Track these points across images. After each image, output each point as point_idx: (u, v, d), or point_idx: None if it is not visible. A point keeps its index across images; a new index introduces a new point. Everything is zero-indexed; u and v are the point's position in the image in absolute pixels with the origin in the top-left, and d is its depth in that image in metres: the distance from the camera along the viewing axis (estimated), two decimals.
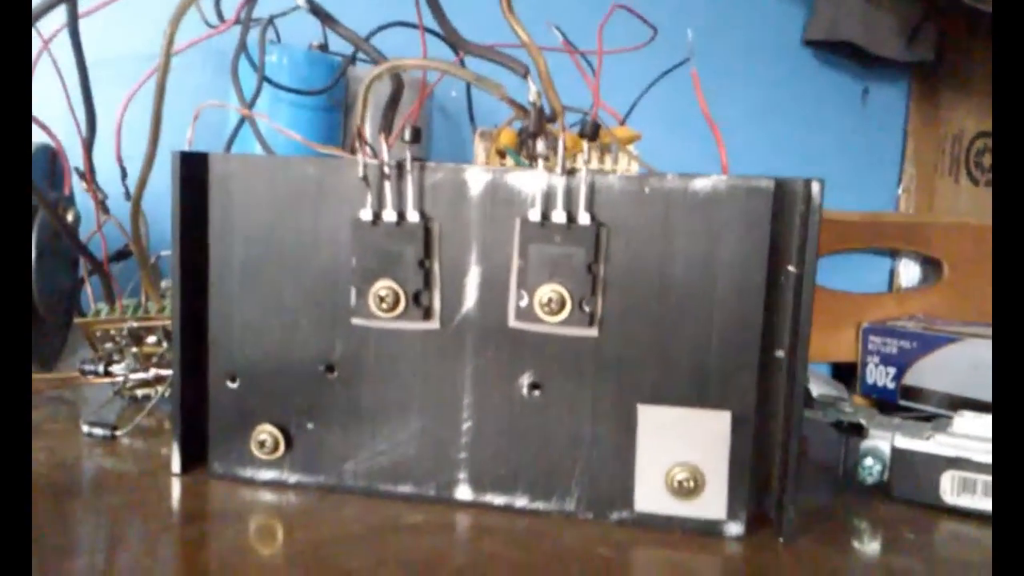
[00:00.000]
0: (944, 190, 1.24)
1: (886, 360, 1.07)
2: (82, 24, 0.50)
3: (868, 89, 1.19)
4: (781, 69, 1.15)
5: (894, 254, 1.23)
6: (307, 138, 0.80)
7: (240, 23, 0.61)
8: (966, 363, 0.97)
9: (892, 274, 1.25)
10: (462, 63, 0.53)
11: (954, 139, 1.22)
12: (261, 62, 0.67)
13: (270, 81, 0.70)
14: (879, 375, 1.08)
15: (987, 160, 1.25)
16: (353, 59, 0.78)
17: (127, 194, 0.58)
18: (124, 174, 0.59)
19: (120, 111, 0.59)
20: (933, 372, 1.02)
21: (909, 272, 1.24)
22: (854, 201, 1.19)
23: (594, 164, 0.62)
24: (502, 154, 0.49)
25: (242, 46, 0.65)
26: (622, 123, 0.68)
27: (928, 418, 0.46)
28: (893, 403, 1.09)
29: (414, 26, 0.67)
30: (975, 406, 0.95)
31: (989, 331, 0.98)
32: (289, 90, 0.73)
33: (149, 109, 0.44)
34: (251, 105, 0.66)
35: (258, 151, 0.62)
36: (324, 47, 0.80)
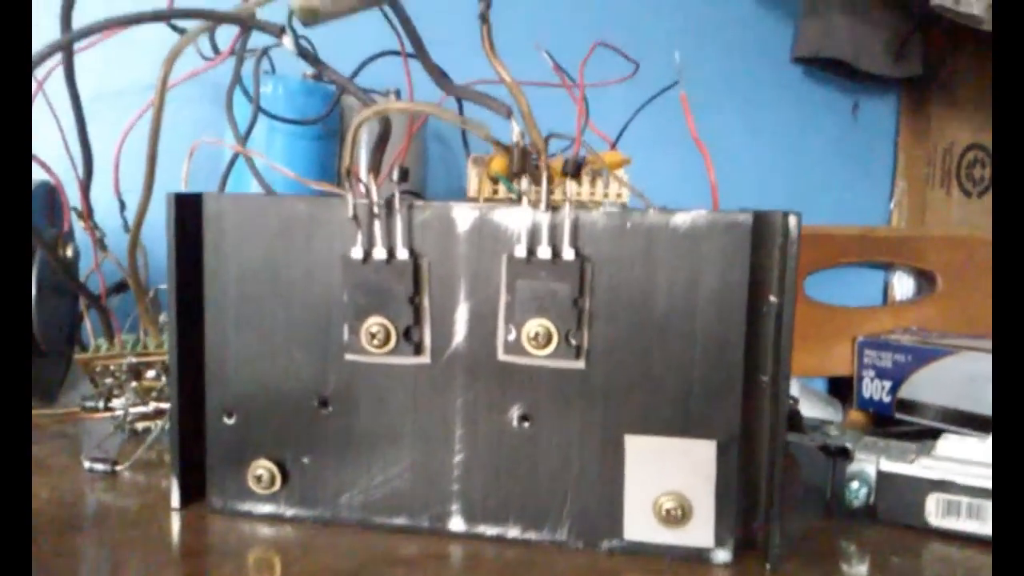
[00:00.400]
0: (936, 203, 1.25)
1: (881, 374, 1.08)
2: (80, 57, 0.51)
3: (858, 103, 1.20)
4: (771, 86, 1.16)
5: (888, 267, 1.24)
6: (303, 166, 0.81)
7: (235, 55, 0.63)
8: (961, 376, 0.98)
9: (886, 287, 1.25)
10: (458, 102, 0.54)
11: (945, 152, 1.23)
12: (256, 93, 0.68)
13: (265, 112, 0.71)
14: (875, 389, 1.09)
15: (978, 172, 1.26)
16: (347, 89, 0.79)
17: (126, 226, 0.59)
18: (123, 207, 0.60)
19: (117, 146, 0.60)
20: (928, 385, 1.03)
21: (903, 285, 1.24)
22: (847, 215, 1.20)
23: (585, 189, 0.63)
24: (495, 180, 0.50)
25: (236, 79, 0.66)
26: (613, 146, 0.69)
27: (919, 434, 0.47)
28: (889, 417, 1.10)
29: (402, 54, 0.68)
30: (971, 419, 0.96)
31: (984, 343, 0.99)
32: (284, 120, 0.74)
33: (147, 142, 0.45)
34: (247, 136, 0.67)
35: (254, 186, 0.63)
36: (318, 76, 0.81)
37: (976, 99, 1.23)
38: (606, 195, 0.65)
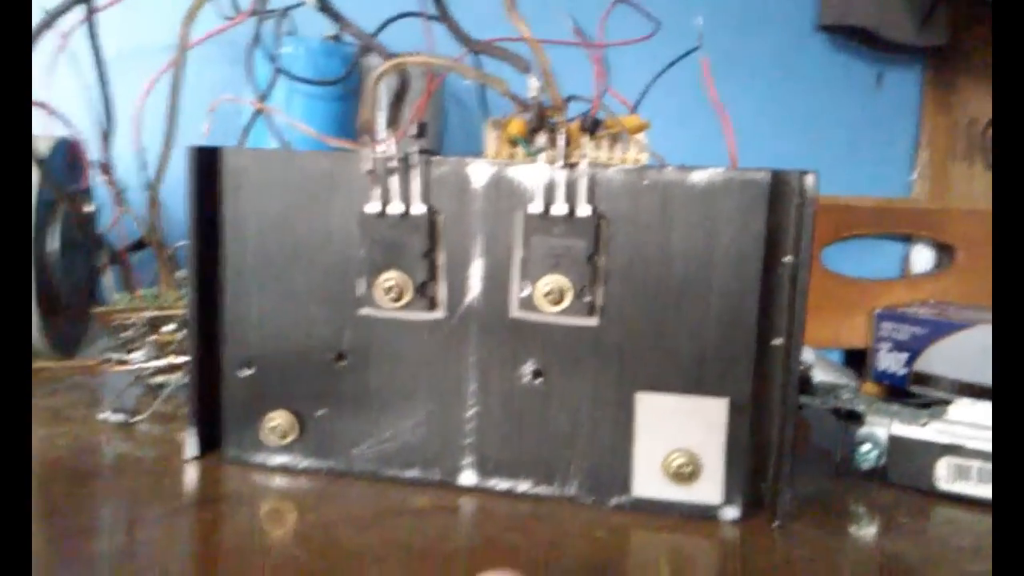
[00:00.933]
0: (959, 175, 1.24)
1: (898, 346, 1.07)
2: (101, 16, 0.51)
3: (882, 74, 1.18)
4: (794, 54, 1.14)
5: (907, 240, 1.23)
6: (322, 127, 0.81)
7: (255, 15, 0.62)
8: (977, 350, 0.97)
9: (905, 260, 1.25)
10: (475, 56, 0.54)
11: (969, 124, 1.22)
12: (276, 54, 0.68)
13: (285, 72, 0.71)
14: (890, 361, 1.09)
15: None
16: (367, 49, 0.79)
17: (146, 184, 0.59)
18: (144, 165, 0.61)
19: (139, 103, 0.60)
20: (944, 358, 1.02)
21: (922, 258, 1.24)
22: (867, 187, 1.19)
23: (604, 153, 0.63)
24: (513, 143, 0.50)
25: (257, 39, 0.66)
26: (633, 110, 0.69)
27: (928, 404, 0.47)
28: (904, 389, 1.09)
29: (424, 16, 0.68)
30: (986, 392, 0.96)
31: None
32: (304, 81, 0.73)
33: (167, 100, 0.45)
34: (266, 96, 0.67)
35: (272, 144, 0.63)
36: (338, 37, 0.81)
37: None
38: (624, 159, 0.65)
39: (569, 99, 0.64)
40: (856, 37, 1.12)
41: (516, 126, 0.55)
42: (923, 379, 1.06)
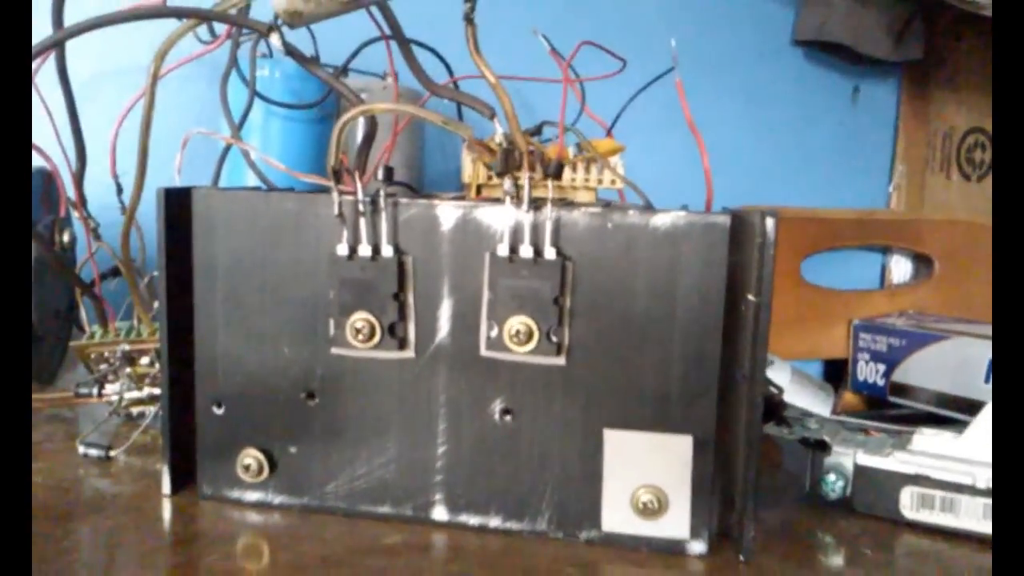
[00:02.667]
0: (935, 186, 1.25)
1: (876, 357, 1.08)
2: (78, 39, 0.51)
3: (859, 87, 1.19)
4: (772, 68, 1.15)
5: (886, 251, 1.24)
6: (300, 150, 0.82)
7: (231, 39, 0.63)
8: (954, 361, 0.98)
9: (884, 271, 1.26)
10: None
11: (945, 136, 1.23)
12: (252, 78, 0.69)
13: (262, 96, 0.71)
14: (869, 372, 1.10)
15: (979, 156, 1.26)
16: (344, 71, 0.80)
17: (123, 208, 0.60)
18: (119, 189, 0.61)
19: (113, 131, 0.60)
20: (922, 369, 1.03)
21: (901, 268, 1.25)
22: (846, 199, 1.20)
23: (580, 176, 0.63)
24: (489, 166, 0.51)
25: (230, 68, 0.67)
26: (609, 132, 0.69)
27: (911, 418, 0.47)
28: (883, 399, 1.10)
29: (392, 37, 0.69)
30: (963, 403, 0.97)
31: (977, 328, 1.00)
32: (281, 105, 0.74)
33: (139, 134, 0.45)
34: (243, 120, 0.68)
35: (248, 174, 0.64)
36: (315, 60, 0.81)
37: (977, 83, 1.22)
38: (600, 181, 0.66)
39: (542, 125, 0.65)
40: (833, 52, 1.13)
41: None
42: (901, 390, 1.07)
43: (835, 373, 1.19)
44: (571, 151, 0.65)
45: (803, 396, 0.88)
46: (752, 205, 1.12)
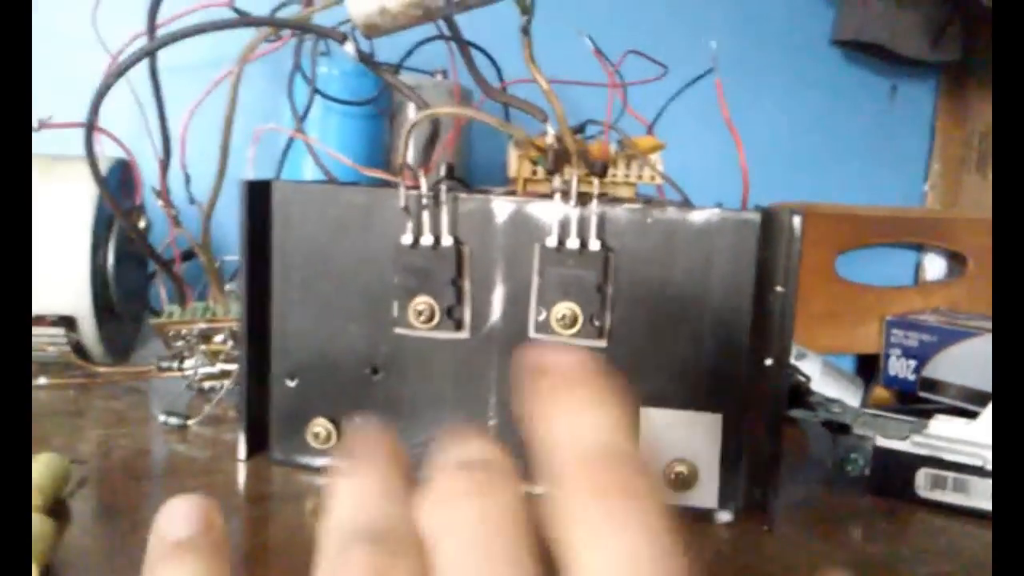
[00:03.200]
0: (971, 186, 1.26)
1: (907, 353, 1.10)
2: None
3: (896, 87, 1.21)
4: (810, 67, 1.18)
5: (920, 248, 1.26)
6: (356, 144, 0.86)
7: (296, 39, 0.67)
8: (984, 357, 1.00)
9: (918, 268, 1.27)
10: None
11: (982, 136, 1.24)
12: (313, 75, 0.73)
13: (321, 93, 0.75)
14: (900, 367, 1.12)
15: None
16: (398, 69, 0.84)
17: (191, 198, 0.64)
18: (188, 180, 0.66)
19: (183, 125, 0.65)
20: (952, 366, 1.06)
21: (935, 266, 1.26)
22: (882, 196, 1.22)
23: (621, 172, 0.67)
24: (534, 162, 0.54)
25: (297, 63, 0.71)
26: (649, 129, 0.73)
27: (935, 411, 0.49)
28: (913, 395, 1.13)
29: (453, 39, 0.73)
30: (990, 399, 0.99)
31: None
32: (339, 101, 0.78)
33: (211, 116, 0.49)
34: (304, 116, 0.72)
35: (310, 164, 0.68)
36: (379, 64, 0.85)
37: None
38: (640, 177, 0.70)
39: (586, 123, 0.69)
40: (870, 52, 1.15)
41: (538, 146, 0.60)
42: (931, 385, 1.09)
43: (868, 368, 1.21)
44: (613, 148, 0.69)
45: (833, 388, 0.91)
46: (789, 201, 1.14)
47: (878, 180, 1.24)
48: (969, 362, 1.03)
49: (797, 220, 0.39)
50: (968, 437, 0.45)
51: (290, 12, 0.71)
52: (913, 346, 1.13)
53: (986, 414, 0.45)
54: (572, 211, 0.41)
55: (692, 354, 0.41)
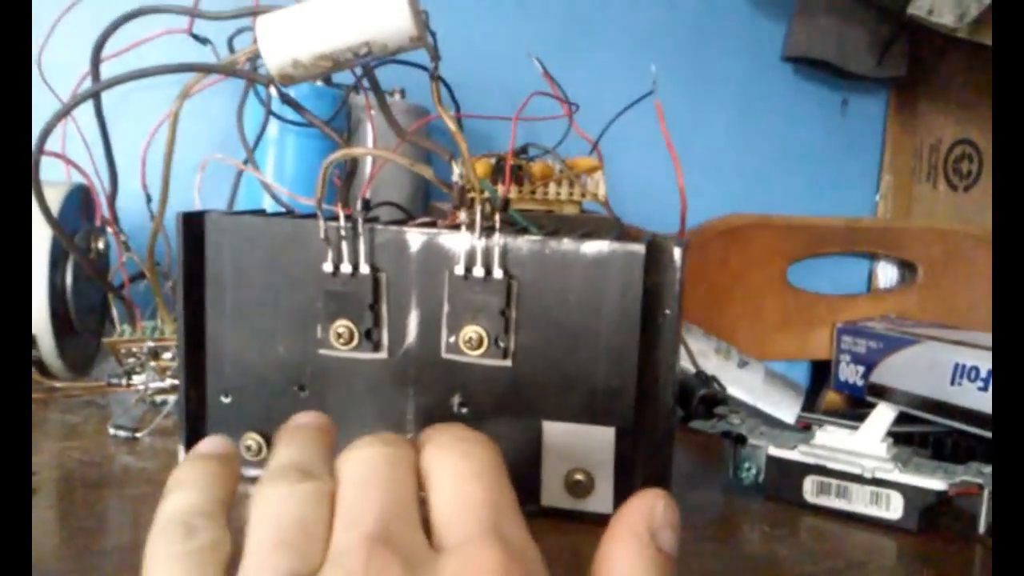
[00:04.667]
0: (922, 196, 1.30)
1: (856, 359, 1.14)
2: (109, 62, 0.59)
3: (847, 101, 1.25)
4: (763, 82, 1.21)
5: (873, 257, 1.30)
6: (313, 162, 0.89)
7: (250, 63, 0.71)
8: (925, 364, 1.04)
9: (870, 276, 1.31)
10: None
11: (932, 147, 1.28)
12: (268, 97, 0.77)
13: (276, 116, 0.79)
14: (850, 373, 1.16)
15: (965, 166, 1.31)
16: (356, 89, 0.87)
17: (151, 216, 0.68)
18: (148, 199, 0.69)
19: (143, 149, 0.69)
20: (896, 371, 1.09)
21: (887, 274, 1.30)
22: (835, 207, 1.26)
23: (565, 191, 0.71)
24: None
25: (247, 91, 0.74)
26: (595, 147, 0.77)
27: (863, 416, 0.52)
28: (862, 399, 1.17)
29: (404, 63, 0.76)
30: (932, 404, 1.03)
31: (949, 334, 1.05)
32: (294, 123, 0.82)
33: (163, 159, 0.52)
34: (258, 139, 0.76)
35: (261, 193, 0.72)
36: (328, 80, 0.89)
37: (964, 97, 1.27)
38: (584, 196, 0.73)
39: (525, 147, 0.72)
40: (820, 68, 1.19)
41: (481, 167, 0.64)
42: (878, 390, 1.13)
43: (822, 374, 1.25)
44: (556, 167, 0.73)
45: (773, 395, 0.95)
46: (743, 213, 1.18)
47: (831, 191, 1.28)
48: (912, 368, 1.07)
49: (678, 252, 0.43)
50: (849, 447, 0.49)
51: (246, 38, 0.74)
52: (861, 352, 1.16)
53: (866, 425, 0.49)
54: (478, 242, 0.44)
55: (588, 372, 0.45)
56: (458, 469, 0.27)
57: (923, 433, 1.02)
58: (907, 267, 1.30)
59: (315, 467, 0.28)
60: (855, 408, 1.22)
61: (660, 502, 0.28)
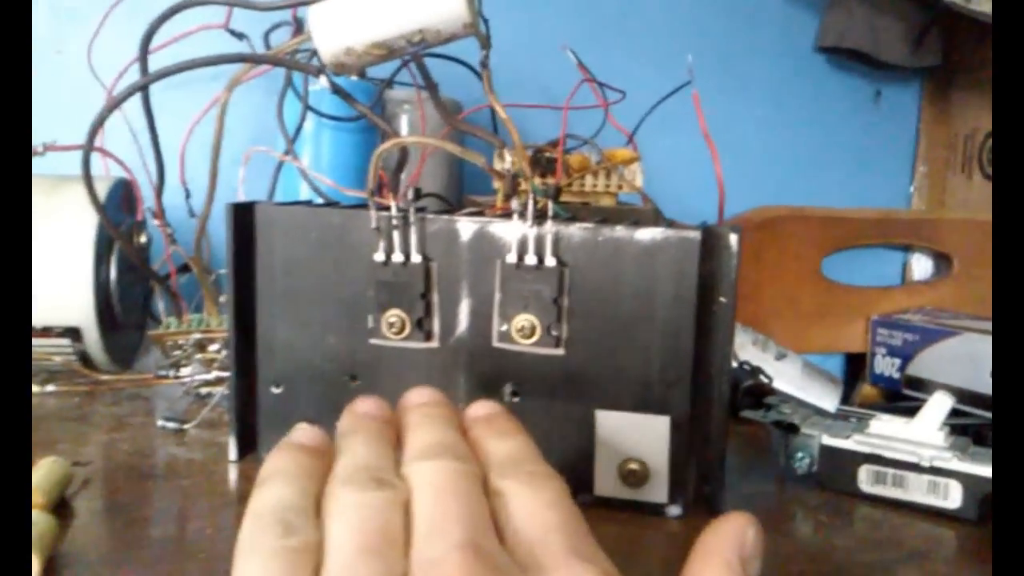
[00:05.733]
0: (956, 187, 1.29)
1: (892, 351, 1.13)
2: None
3: (881, 92, 1.24)
4: (795, 74, 1.20)
5: (907, 249, 1.29)
6: (348, 157, 0.90)
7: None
8: (964, 356, 1.03)
9: (905, 268, 1.30)
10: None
11: (967, 137, 1.27)
12: (305, 92, 0.77)
13: (314, 110, 0.79)
14: (886, 366, 1.15)
15: None
16: (390, 84, 0.87)
17: (190, 211, 0.68)
18: (188, 194, 0.70)
19: (182, 143, 0.69)
20: (934, 364, 1.08)
21: (922, 266, 1.29)
22: (867, 199, 1.25)
23: (601, 182, 0.71)
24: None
25: (287, 84, 0.75)
26: (630, 139, 0.76)
27: (900, 409, 0.52)
28: (898, 392, 1.15)
29: (439, 56, 0.76)
30: (970, 397, 1.02)
31: (987, 325, 1.04)
32: (330, 117, 0.82)
33: (209, 129, 0.52)
34: (297, 133, 0.76)
35: (301, 184, 0.72)
36: (363, 75, 0.89)
37: None
38: (620, 187, 0.73)
39: (565, 138, 0.72)
40: (854, 58, 1.17)
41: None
42: (915, 383, 1.12)
43: (856, 366, 1.24)
44: (593, 158, 0.72)
45: (812, 387, 0.94)
46: (775, 205, 1.17)
47: (865, 183, 1.27)
48: (950, 360, 1.06)
49: (734, 237, 0.43)
50: (905, 435, 0.48)
51: (282, 33, 0.75)
52: (897, 345, 1.15)
53: (922, 414, 0.48)
54: (529, 230, 0.44)
55: (642, 361, 0.44)
56: (532, 498, 0.28)
57: (963, 425, 1.00)
58: (942, 259, 1.29)
59: (387, 471, 0.28)
60: (891, 402, 1.21)
61: (751, 530, 0.28)
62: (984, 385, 1.00)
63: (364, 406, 0.33)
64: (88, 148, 0.47)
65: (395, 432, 0.32)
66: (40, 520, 0.39)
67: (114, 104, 0.45)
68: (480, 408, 0.34)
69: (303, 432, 0.31)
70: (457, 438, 0.30)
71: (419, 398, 0.35)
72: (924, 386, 1.12)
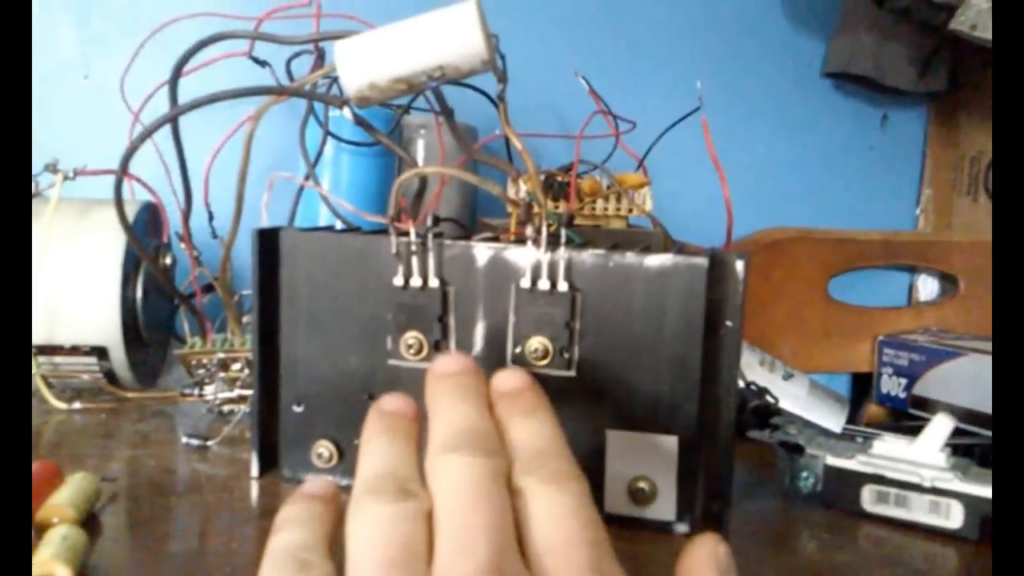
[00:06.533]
0: (962, 209, 1.31)
1: (898, 371, 1.15)
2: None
3: (887, 116, 1.26)
4: (803, 99, 1.22)
5: (913, 270, 1.30)
6: (367, 180, 0.92)
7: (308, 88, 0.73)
8: (969, 376, 1.04)
9: (911, 289, 1.31)
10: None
11: (972, 160, 1.28)
12: (326, 118, 0.79)
13: (333, 135, 0.81)
14: (892, 385, 1.16)
15: None
16: (407, 110, 0.90)
17: (213, 233, 0.70)
18: (211, 217, 0.72)
19: (207, 167, 0.71)
20: (940, 384, 1.10)
21: (928, 287, 1.30)
22: (874, 221, 1.26)
23: (612, 206, 0.72)
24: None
25: (309, 111, 0.77)
26: (640, 164, 0.78)
27: (906, 428, 0.53)
28: (904, 412, 1.17)
29: (464, 85, 0.78)
30: (976, 417, 1.03)
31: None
32: (350, 143, 0.84)
33: (233, 153, 0.53)
34: (317, 158, 0.78)
35: (322, 210, 0.74)
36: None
37: None
38: (630, 211, 0.75)
39: (578, 163, 0.74)
40: (860, 83, 1.19)
41: (530, 183, 0.65)
42: (921, 403, 1.13)
43: (863, 386, 1.25)
44: (605, 183, 0.74)
45: (818, 407, 0.95)
46: (783, 227, 1.19)
47: (872, 205, 1.28)
48: (956, 380, 1.07)
49: (740, 264, 0.44)
50: (907, 456, 0.49)
51: (303, 61, 0.77)
52: (904, 365, 1.17)
53: (924, 435, 0.50)
54: (543, 256, 0.46)
55: (651, 383, 0.46)
56: (555, 501, 0.28)
57: (968, 445, 1.02)
58: (948, 280, 1.30)
59: (410, 479, 0.29)
60: (897, 421, 1.22)
61: (721, 547, 0.29)
62: (989, 405, 1.02)
63: (391, 404, 0.34)
64: (120, 174, 0.50)
65: (417, 430, 0.33)
66: (71, 534, 0.41)
67: (146, 134, 0.47)
68: (507, 380, 0.35)
69: (313, 483, 0.32)
70: (482, 420, 0.31)
71: (448, 367, 0.35)
72: (930, 406, 1.13)
